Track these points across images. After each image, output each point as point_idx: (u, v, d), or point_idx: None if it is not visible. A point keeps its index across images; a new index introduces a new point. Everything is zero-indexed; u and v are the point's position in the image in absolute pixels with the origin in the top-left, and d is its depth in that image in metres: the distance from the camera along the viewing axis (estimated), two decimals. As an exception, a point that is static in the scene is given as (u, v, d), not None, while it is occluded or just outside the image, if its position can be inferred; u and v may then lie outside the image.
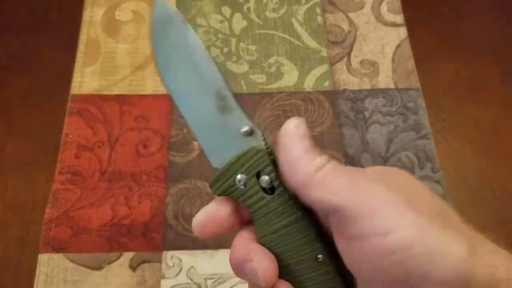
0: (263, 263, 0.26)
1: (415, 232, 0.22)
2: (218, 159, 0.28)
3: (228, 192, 0.28)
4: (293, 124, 0.26)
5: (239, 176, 0.27)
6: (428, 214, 0.22)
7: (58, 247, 0.48)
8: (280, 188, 0.27)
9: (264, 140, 0.28)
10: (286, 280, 0.27)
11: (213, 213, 0.28)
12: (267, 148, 0.28)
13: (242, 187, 0.27)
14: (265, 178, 0.27)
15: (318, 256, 0.26)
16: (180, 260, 0.48)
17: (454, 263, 0.21)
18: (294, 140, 0.25)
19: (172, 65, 0.29)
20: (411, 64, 0.59)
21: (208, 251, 0.48)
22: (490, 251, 0.23)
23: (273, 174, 0.27)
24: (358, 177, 0.24)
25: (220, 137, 0.29)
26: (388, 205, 0.22)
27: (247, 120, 0.28)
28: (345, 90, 0.57)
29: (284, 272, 0.27)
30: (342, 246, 0.25)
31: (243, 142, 0.28)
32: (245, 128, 0.28)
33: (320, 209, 0.25)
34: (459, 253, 0.21)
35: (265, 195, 0.27)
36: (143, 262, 0.47)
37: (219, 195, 0.28)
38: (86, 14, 0.62)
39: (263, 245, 0.27)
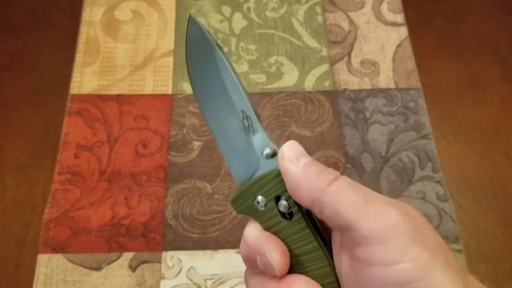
0: (275, 255, 0.26)
1: (419, 267, 0.22)
2: (242, 178, 0.29)
3: (247, 211, 0.28)
4: (286, 147, 0.26)
5: (259, 198, 0.27)
6: (432, 249, 0.23)
7: (58, 248, 0.48)
8: (298, 214, 0.26)
9: None
10: None
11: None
12: None
13: (262, 208, 0.27)
14: (283, 202, 0.27)
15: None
16: (180, 261, 0.47)
17: None
18: (291, 160, 0.26)
19: (203, 85, 0.30)
20: (411, 63, 0.59)
21: (208, 251, 0.48)
22: None
23: (292, 200, 0.26)
24: (372, 195, 0.24)
25: (244, 157, 0.29)
26: (399, 233, 0.23)
27: (270, 142, 0.29)
28: (345, 90, 0.57)
29: None
30: (344, 263, 0.25)
31: (265, 164, 0.28)
32: (267, 151, 0.28)
33: (333, 225, 0.25)
34: None
35: (283, 219, 0.27)
36: (143, 262, 0.47)
37: (239, 213, 0.29)
38: (86, 14, 0.61)
39: None
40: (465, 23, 0.65)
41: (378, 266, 0.22)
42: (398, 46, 0.60)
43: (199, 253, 0.48)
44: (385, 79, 0.58)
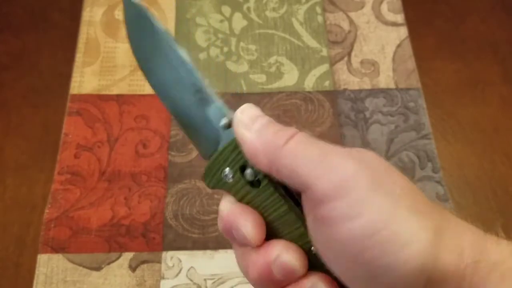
0: (248, 226, 0.26)
1: (380, 217, 0.21)
2: (207, 153, 0.28)
3: (218, 185, 0.28)
4: (239, 112, 0.26)
5: (226, 170, 0.27)
6: (396, 196, 0.22)
7: (58, 248, 0.48)
8: (265, 181, 0.26)
9: None
10: None
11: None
12: None
13: (230, 180, 0.27)
14: (248, 171, 0.26)
15: (312, 248, 0.25)
16: (180, 261, 0.47)
17: (417, 254, 0.21)
18: (245, 126, 0.25)
19: (149, 62, 0.29)
20: (411, 63, 0.59)
21: (208, 251, 0.48)
22: (458, 233, 0.22)
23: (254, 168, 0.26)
24: (329, 150, 0.23)
25: (204, 131, 0.28)
26: (357, 185, 0.22)
27: (227, 111, 0.28)
28: (345, 90, 0.57)
29: None
30: (311, 224, 0.24)
31: (226, 135, 0.27)
32: (224, 121, 0.27)
33: (293, 186, 0.24)
34: (424, 241, 0.21)
35: (251, 188, 0.26)
36: (143, 262, 0.47)
37: (212, 188, 0.28)
38: (86, 14, 0.61)
39: None
40: (465, 23, 0.65)
41: (340, 223, 0.22)
42: (398, 46, 0.60)
43: (199, 253, 0.48)
44: (385, 79, 0.58)
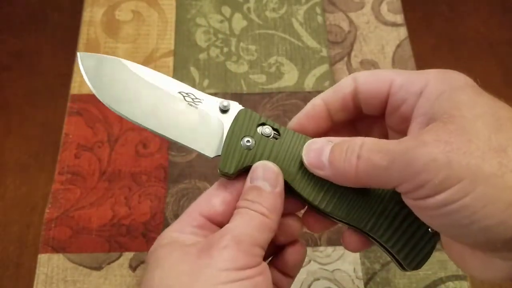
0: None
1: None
2: (212, 147, 0.30)
3: (241, 162, 0.29)
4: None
5: (245, 139, 0.28)
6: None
7: (58, 247, 0.48)
8: (282, 128, 0.29)
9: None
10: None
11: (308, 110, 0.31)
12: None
13: (253, 146, 0.28)
14: (266, 128, 0.29)
15: None
16: (180, 260, 0.48)
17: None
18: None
19: (128, 101, 0.30)
20: (411, 64, 0.59)
21: (208, 251, 0.48)
22: None
23: (270, 120, 0.29)
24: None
25: (204, 128, 0.30)
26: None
27: (218, 99, 0.30)
28: (345, 90, 0.57)
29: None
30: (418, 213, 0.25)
31: (228, 117, 0.29)
32: (224, 103, 0.29)
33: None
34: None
35: (275, 140, 0.28)
36: (143, 262, 0.47)
37: (234, 172, 0.29)
38: (86, 14, 0.62)
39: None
40: (465, 23, 0.65)
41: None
42: (398, 46, 0.60)
43: (199, 253, 0.48)
44: (385, 79, 0.58)
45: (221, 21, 0.61)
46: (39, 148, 0.54)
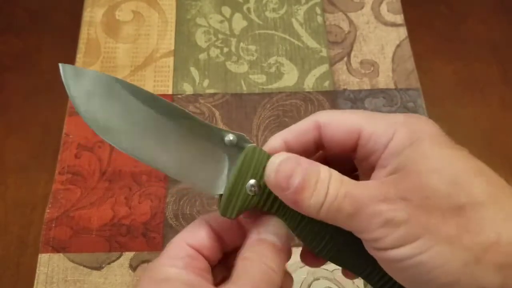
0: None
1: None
2: (214, 184, 0.28)
3: (245, 204, 0.27)
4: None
5: (251, 182, 0.26)
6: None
7: (58, 247, 0.48)
8: None
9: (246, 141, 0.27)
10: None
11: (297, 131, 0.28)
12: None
13: (257, 191, 0.26)
14: None
15: None
16: (180, 260, 0.48)
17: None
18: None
19: (136, 132, 0.27)
20: (411, 64, 0.59)
21: (208, 251, 0.48)
22: None
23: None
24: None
25: (207, 162, 0.27)
26: None
27: (224, 131, 0.27)
28: (345, 90, 0.57)
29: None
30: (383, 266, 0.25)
31: (234, 151, 0.27)
32: (230, 137, 0.27)
33: None
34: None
35: None
36: (143, 262, 0.47)
37: (236, 216, 0.27)
38: (86, 14, 0.62)
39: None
40: (464, 23, 0.65)
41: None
42: (398, 46, 0.60)
43: (199, 253, 0.48)
44: (384, 79, 0.58)
45: (221, 21, 0.61)
46: (40, 148, 0.54)
